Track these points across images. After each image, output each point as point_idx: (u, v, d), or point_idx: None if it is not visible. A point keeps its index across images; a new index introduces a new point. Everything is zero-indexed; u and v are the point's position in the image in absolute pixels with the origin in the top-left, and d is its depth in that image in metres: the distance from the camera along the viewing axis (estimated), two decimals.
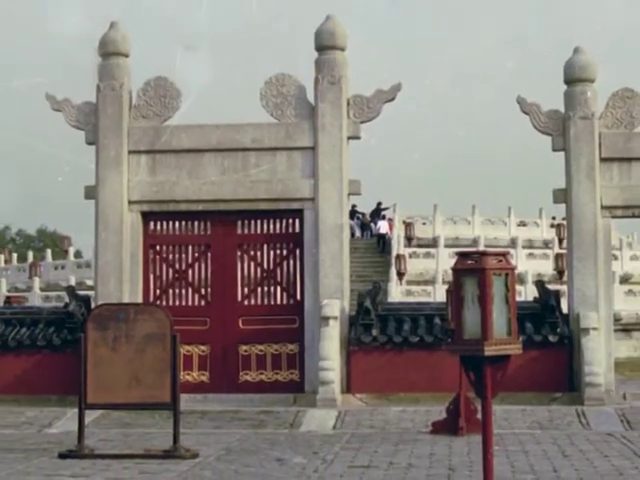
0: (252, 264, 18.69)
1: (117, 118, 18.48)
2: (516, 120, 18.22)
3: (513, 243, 43.17)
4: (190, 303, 18.65)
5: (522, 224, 47.59)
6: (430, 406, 15.80)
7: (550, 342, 17.48)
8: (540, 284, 19.26)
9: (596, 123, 18.02)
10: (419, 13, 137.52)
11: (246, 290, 18.62)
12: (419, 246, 43.91)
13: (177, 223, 18.82)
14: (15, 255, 56.10)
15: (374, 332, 17.81)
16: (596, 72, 18.29)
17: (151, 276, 18.64)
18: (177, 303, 18.43)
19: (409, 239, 44.45)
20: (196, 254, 18.77)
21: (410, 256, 41.74)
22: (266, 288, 18.69)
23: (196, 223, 18.81)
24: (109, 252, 18.30)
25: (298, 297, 18.42)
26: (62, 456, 12.10)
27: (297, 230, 18.47)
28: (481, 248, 35.62)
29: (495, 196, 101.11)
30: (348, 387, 17.62)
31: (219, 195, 18.36)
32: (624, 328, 34.75)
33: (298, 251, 18.45)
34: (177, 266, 18.75)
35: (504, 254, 6.90)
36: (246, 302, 18.58)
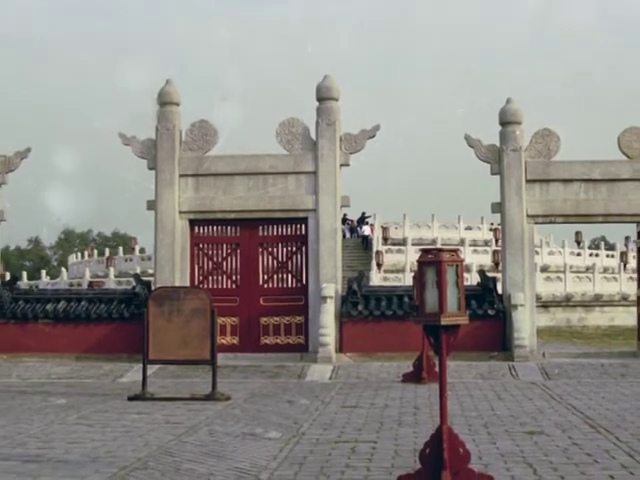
0: (270, 257, 18.68)
1: (171, 150, 18.48)
2: (464, 151, 18.22)
3: (462, 242, 43.09)
4: (224, 286, 18.63)
5: (468, 228, 47.50)
6: (401, 362, 15.80)
7: (489, 315, 17.49)
8: (481, 273, 19.30)
9: (523, 154, 18.03)
10: (396, 70, 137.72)
11: (265, 276, 18.61)
12: (393, 244, 43.83)
13: (215, 227, 18.81)
14: (96, 251, 56.11)
15: (359, 307, 17.83)
16: (523, 116, 18.32)
17: (196, 266, 18.64)
18: (215, 286, 18.40)
19: (385, 239, 44.38)
20: (229, 250, 18.76)
21: (386, 252, 41.71)
22: (280, 275, 18.68)
23: (228, 227, 18.79)
24: (165, 249, 18.30)
25: (304, 282, 18.42)
26: (130, 399, 12.12)
27: (303, 232, 18.46)
28: (438, 246, 35.63)
29: (449, 207, 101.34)
30: (340, 348, 17.62)
31: (245, 207, 18.36)
32: (543, 305, 34.76)
33: (304, 248, 18.45)
34: (215, 259, 18.75)
35: (455, 250, 6.89)
36: (266, 285, 18.57)
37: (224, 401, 11.86)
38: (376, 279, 37.15)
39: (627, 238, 46.93)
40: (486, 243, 44.93)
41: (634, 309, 21.39)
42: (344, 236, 41.55)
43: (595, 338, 28.71)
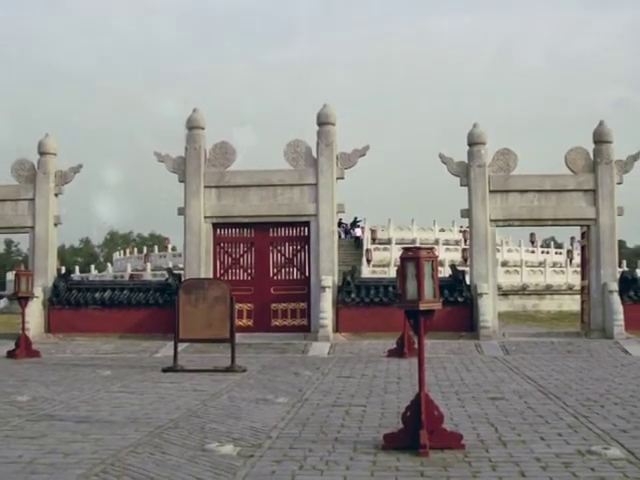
0: (279, 254, 18.66)
1: (197, 167, 18.47)
2: (438, 167, 18.20)
3: (436, 242, 43.15)
4: (241, 278, 18.61)
5: (442, 230, 47.50)
6: (386, 340, 15.79)
7: (459, 301, 17.48)
8: (453, 267, 19.29)
9: (487, 169, 18.02)
10: (383, 100, 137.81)
11: (275, 270, 18.59)
12: (380, 244, 43.87)
13: (233, 229, 18.78)
14: (136, 249, 56.11)
15: (352, 295, 17.81)
16: (487, 138, 18.30)
17: (218, 262, 18.61)
18: (233, 278, 18.39)
19: (374, 239, 44.40)
20: (245, 248, 18.74)
21: (374, 250, 41.74)
22: (287, 269, 18.67)
23: (245, 229, 18.76)
24: (192, 247, 18.30)
25: (307, 274, 18.39)
26: (164, 370, 12.12)
27: (306, 234, 18.45)
28: (417, 245, 35.62)
29: (426, 213, 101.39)
30: (337, 328, 17.61)
31: (259, 213, 18.34)
32: (503, 293, 34.77)
33: (306, 246, 18.43)
34: (234, 256, 18.73)
35: (431, 248, 6.88)
36: (275, 277, 18.55)
37: (241, 373, 11.87)
38: (366, 272, 37.15)
39: (572, 238, 47.06)
40: (456, 242, 44.94)
41: (578, 297, 21.38)
42: (340, 237, 41.40)
43: (546, 321, 28.69)
